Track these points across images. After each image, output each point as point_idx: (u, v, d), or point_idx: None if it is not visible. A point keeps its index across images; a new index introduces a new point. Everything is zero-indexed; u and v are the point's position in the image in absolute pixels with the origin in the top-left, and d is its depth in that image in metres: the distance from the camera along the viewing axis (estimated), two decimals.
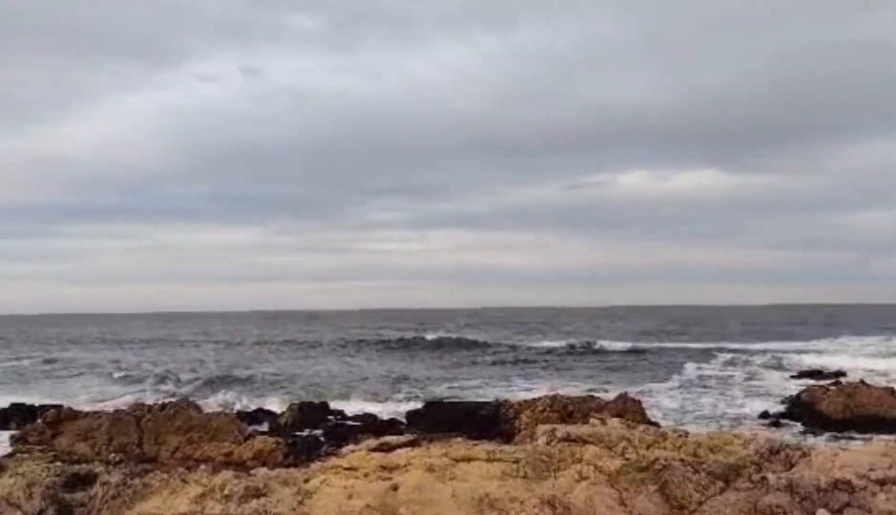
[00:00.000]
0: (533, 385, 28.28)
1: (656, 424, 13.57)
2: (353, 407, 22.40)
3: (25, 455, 8.70)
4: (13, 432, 16.84)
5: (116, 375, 34.13)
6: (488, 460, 6.23)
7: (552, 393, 18.33)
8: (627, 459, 5.66)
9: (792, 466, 5.67)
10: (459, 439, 8.45)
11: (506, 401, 19.18)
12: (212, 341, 63.22)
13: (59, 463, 7.34)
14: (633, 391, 20.81)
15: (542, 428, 7.06)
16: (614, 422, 6.78)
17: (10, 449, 14.01)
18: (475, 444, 7.14)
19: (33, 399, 24.39)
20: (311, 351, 51.01)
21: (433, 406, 20.37)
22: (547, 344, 50.64)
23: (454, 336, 59.04)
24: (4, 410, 21.57)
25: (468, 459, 6.30)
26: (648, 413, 17.43)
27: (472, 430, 15.87)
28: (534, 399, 18.10)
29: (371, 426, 18.01)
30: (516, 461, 6.01)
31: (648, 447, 5.88)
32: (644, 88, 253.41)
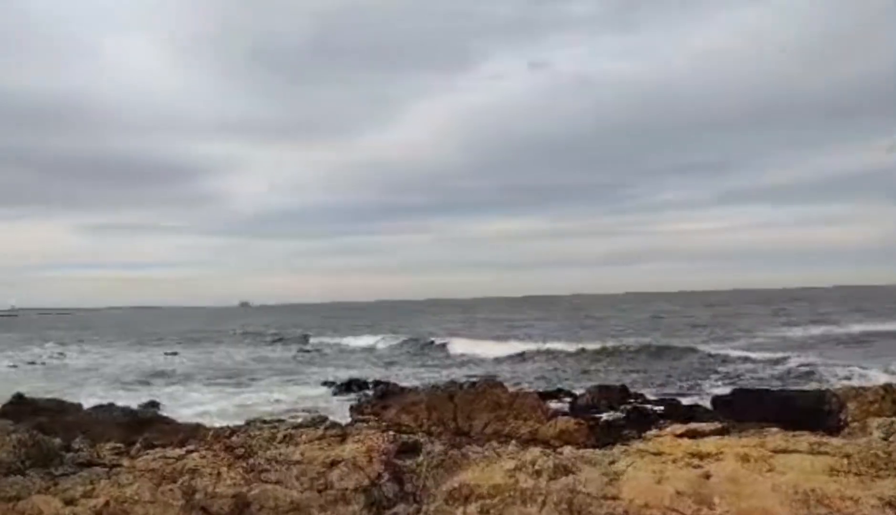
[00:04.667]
0: (859, 371, 25.11)
1: None
2: (652, 391, 21.95)
3: (363, 425, 9.92)
4: (351, 403, 19.36)
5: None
6: (811, 453, 5.72)
7: (886, 381, 16.12)
8: None
9: None
10: (775, 429, 7.87)
11: (828, 390, 17.31)
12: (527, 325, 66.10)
13: (390, 433, 8.22)
14: None
15: (876, 420, 6.30)
16: None
17: (348, 419, 16.14)
18: (794, 435, 6.59)
19: (370, 375, 27.88)
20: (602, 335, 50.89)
21: (742, 393, 19.11)
22: (876, 327, 44.54)
23: (756, 317, 54.65)
24: (344, 383, 24.93)
25: (787, 451, 5.84)
26: None
27: (786, 421, 14.55)
28: (862, 387, 16.09)
29: (673, 411, 17.49)
30: (847, 456, 5.43)
31: None
32: None
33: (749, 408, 17.45)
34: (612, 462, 6.07)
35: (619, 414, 17.81)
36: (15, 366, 39.12)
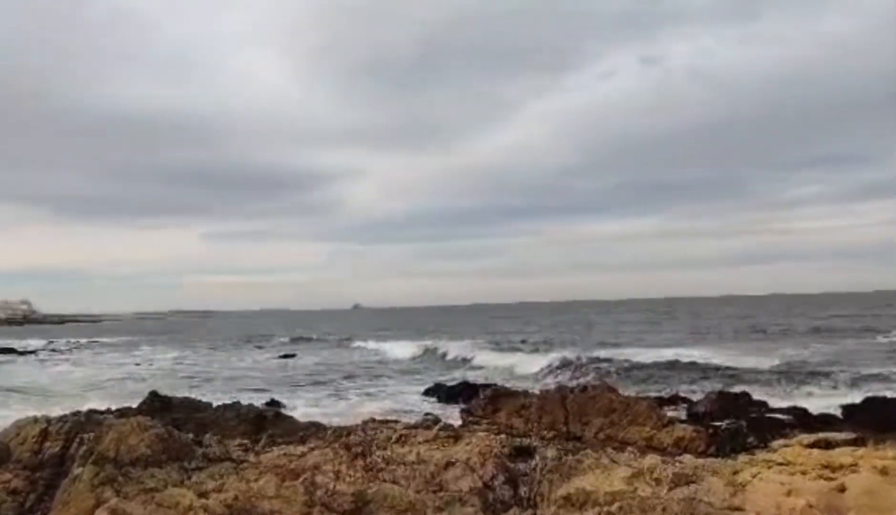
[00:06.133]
0: None
1: None
2: (776, 399, 20.86)
3: (475, 427, 10.00)
4: (461, 406, 19.49)
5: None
6: None
7: None
8: None
9: None
10: None
11: None
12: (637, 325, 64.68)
13: (502, 436, 8.24)
14: None
15: None
16: None
17: (459, 421, 16.25)
18: None
19: (476, 378, 28.03)
20: (720, 336, 48.88)
21: (875, 401, 17.88)
22: None
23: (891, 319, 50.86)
24: (454, 386, 25.17)
25: None
26: None
27: None
28: None
29: (800, 420, 16.56)
30: None
31: None
32: None
33: (883, 418, 16.30)
34: (736, 472, 5.84)
35: (740, 423, 17.03)
36: (141, 365, 41.97)
